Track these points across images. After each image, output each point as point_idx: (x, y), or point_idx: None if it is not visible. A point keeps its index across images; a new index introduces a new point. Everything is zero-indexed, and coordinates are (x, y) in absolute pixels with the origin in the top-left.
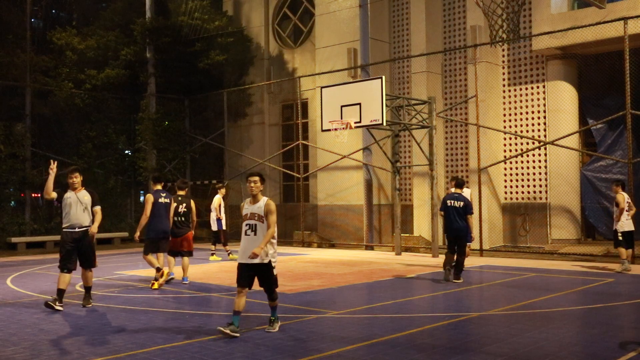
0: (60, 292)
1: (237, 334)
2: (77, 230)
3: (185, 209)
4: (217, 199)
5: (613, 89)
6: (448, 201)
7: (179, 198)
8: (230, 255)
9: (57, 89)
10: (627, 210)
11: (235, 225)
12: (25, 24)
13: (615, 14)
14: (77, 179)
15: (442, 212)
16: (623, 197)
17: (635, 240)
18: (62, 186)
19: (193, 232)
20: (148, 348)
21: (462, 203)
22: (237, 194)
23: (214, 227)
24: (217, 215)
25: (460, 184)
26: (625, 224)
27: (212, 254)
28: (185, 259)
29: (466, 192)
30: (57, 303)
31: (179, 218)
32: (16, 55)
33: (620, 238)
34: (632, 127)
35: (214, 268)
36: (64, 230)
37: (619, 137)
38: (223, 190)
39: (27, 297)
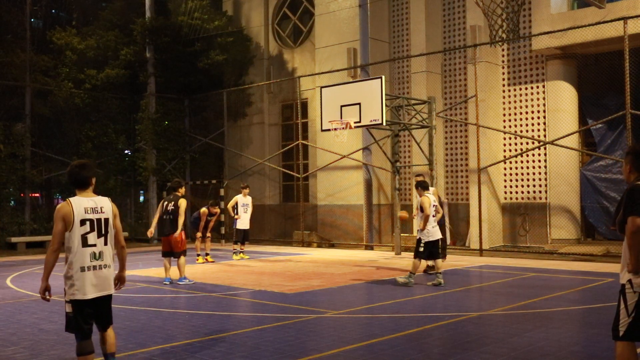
0: None
1: None
2: None
3: (172, 207)
4: (233, 199)
5: (613, 89)
6: None
7: (170, 197)
8: (234, 255)
9: (56, 88)
10: (432, 215)
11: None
12: (25, 24)
13: (615, 13)
14: None
15: None
16: (429, 200)
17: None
18: (62, 185)
19: (178, 232)
20: (148, 348)
21: None
22: (236, 193)
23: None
24: (232, 214)
25: None
26: (431, 232)
27: (234, 253)
28: (179, 259)
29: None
30: None
31: (168, 217)
32: (16, 55)
33: (422, 249)
34: (632, 127)
35: (213, 268)
36: None
37: (618, 137)
38: (245, 191)
39: (27, 297)
